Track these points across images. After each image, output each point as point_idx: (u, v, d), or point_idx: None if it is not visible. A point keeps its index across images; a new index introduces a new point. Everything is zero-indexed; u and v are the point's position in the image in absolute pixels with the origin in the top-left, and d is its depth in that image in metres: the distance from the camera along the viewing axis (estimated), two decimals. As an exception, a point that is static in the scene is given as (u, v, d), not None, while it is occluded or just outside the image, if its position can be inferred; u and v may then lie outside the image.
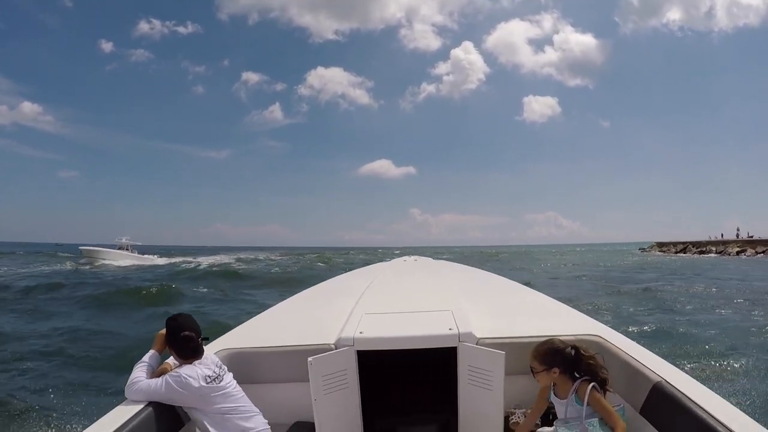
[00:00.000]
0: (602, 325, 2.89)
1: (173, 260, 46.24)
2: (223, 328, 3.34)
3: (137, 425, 1.99)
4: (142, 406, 2.12)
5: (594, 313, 9.95)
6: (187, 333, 2.29)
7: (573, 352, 2.19)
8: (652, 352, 2.41)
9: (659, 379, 2.10)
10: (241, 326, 3.25)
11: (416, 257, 7.33)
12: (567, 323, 2.97)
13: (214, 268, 31.31)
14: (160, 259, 47.17)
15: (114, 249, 45.53)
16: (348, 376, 2.51)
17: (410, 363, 3.05)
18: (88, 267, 36.51)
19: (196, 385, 2.18)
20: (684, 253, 58.14)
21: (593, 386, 2.12)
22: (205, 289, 19.26)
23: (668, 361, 2.31)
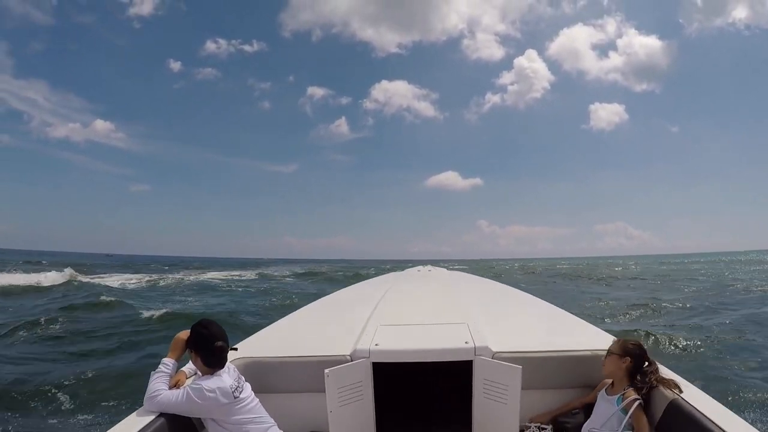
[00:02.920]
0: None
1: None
2: (239, 337, 2.93)
3: None
4: (155, 415, 2.05)
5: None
6: (221, 344, 2.21)
7: (647, 359, 2.34)
8: (667, 367, 2.35)
9: (675, 396, 2.11)
10: (256, 335, 3.16)
11: (430, 267, 7.01)
12: (584, 338, 2.90)
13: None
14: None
15: None
16: (363, 388, 2.50)
17: (425, 375, 3.02)
18: None
19: (220, 396, 2.11)
20: None
21: (640, 403, 2.22)
22: None
23: (684, 377, 2.27)
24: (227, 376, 2.20)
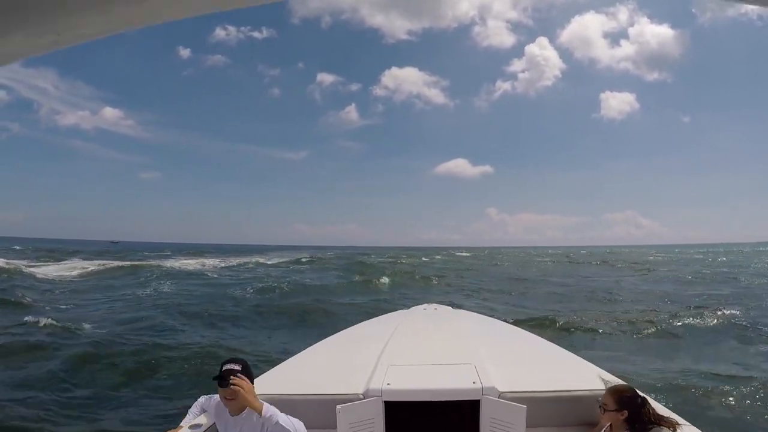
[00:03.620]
0: (622, 381, 2.79)
1: None
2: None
3: None
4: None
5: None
6: None
7: (640, 401, 2.36)
8: (668, 408, 2.49)
9: None
10: (270, 372, 3.23)
11: (435, 306, 7.10)
12: (585, 377, 2.97)
13: None
14: None
15: None
16: (375, 425, 2.59)
17: (433, 414, 2.94)
18: None
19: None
20: None
21: None
22: None
23: (683, 417, 2.37)
24: None
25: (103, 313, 11.92)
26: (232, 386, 2.13)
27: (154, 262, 31.09)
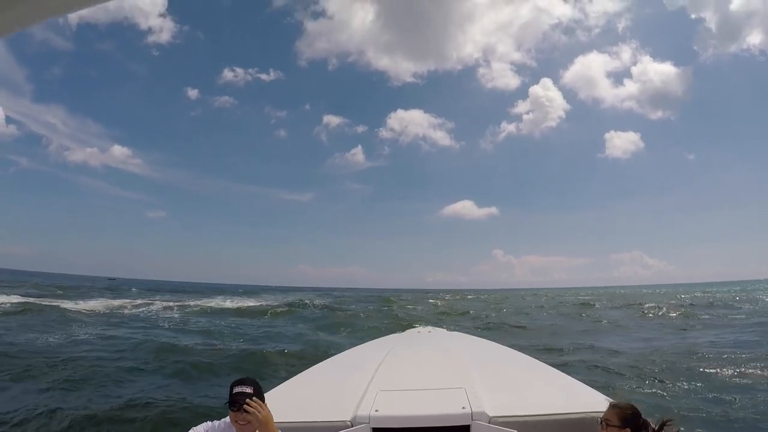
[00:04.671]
0: (613, 401, 2.64)
1: None
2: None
3: None
4: None
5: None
6: None
7: (642, 422, 2.33)
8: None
9: None
10: None
11: (430, 328, 7.15)
12: (579, 399, 2.93)
13: None
14: None
15: None
16: None
17: None
18: None
19: None
20: None
21: None
22: None
23: None
24: None
25: None
26: (245, 411, 2.15)
27: (83, 305, 25.82)
